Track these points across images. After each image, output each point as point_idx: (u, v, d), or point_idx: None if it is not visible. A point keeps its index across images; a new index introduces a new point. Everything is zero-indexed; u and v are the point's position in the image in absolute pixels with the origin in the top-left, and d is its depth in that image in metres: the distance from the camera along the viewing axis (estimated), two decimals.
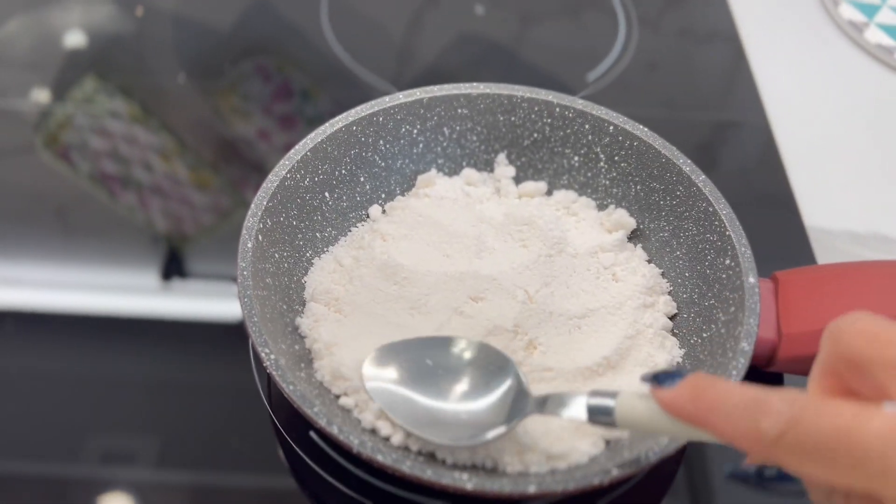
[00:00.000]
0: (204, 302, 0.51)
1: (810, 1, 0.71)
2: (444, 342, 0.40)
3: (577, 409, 0.34)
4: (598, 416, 0.33)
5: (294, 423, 0.44)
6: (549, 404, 0.35)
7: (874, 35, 0.67)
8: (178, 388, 0.46)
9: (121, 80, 0.63)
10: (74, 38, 0.65)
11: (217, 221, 0.55)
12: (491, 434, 0.36)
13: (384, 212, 0.50)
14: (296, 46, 0.67)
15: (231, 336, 0.49)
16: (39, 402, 0.45)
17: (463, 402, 0.38)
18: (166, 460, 0.43)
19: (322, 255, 0.47)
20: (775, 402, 0.24)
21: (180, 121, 0.61)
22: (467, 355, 0.39)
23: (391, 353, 0.40)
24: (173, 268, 0.52)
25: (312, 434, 0.43)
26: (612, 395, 0.32)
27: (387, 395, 0.38)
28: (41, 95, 0.61)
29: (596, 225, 0.49)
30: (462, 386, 0.38)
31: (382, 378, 0.39)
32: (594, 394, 0.33)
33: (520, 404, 0.37)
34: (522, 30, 0.69)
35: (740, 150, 0.61)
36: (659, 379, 0.29)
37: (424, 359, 0.39)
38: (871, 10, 0.68)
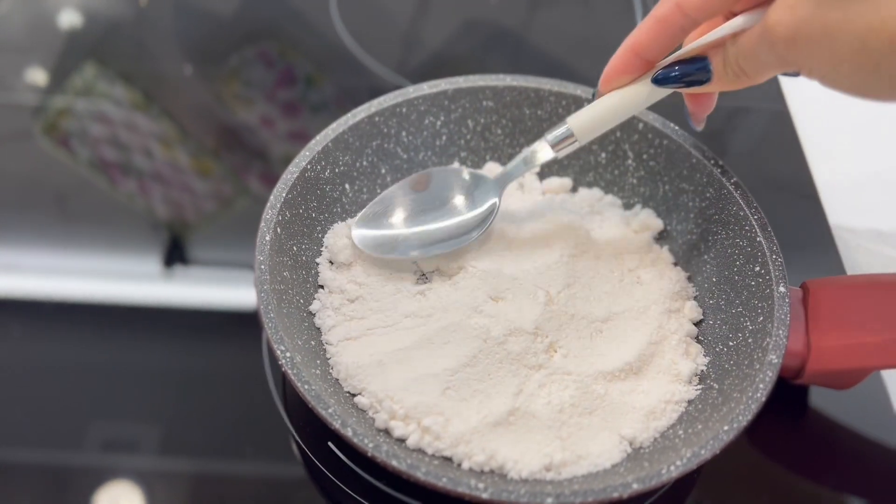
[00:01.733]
0: (206, 289, 0.50)
1: None
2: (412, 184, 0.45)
3: (542, 154, 0.42)
4: (561, 141, 0.41)
5: (302, 410, 0.43)
6: (511, 171, 0.44)
7: None
8: (181, 376, 0.45)
9: (121, 67, 0.62)
10: (74, 23, 0.64)
11: (219, 209, 0.54)
12: (475, 234, 0.44)
13: None
14: (299, 32, 0.65)
15: (234, 323, 0.48)
16: (41, 390, 0.44)
17: (448, 218, 0.44)
18: (170, 449, 0.43)
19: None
20: None
21: (181, 107, 0.60)
22: (434, 186, 0.45)
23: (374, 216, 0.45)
24: (174, 255, 0.52)
25: (330, 445, 0.42)
26: (561, 124, 0.41)
27: (378, 242, 0.44)
28: (40, 82, 0.60)
29: (621, 225, 0.48)
30: (443, 210, 0.45)
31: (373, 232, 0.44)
32: (548, 133, 0.42)
33: (487, 194, 0.44)
34: (532, 15, 0.67)
35: (759, 140, 0.60)
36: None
37: (405, 202, 0.45)
38: None
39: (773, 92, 0.61)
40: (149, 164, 0.55)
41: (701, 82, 0.37)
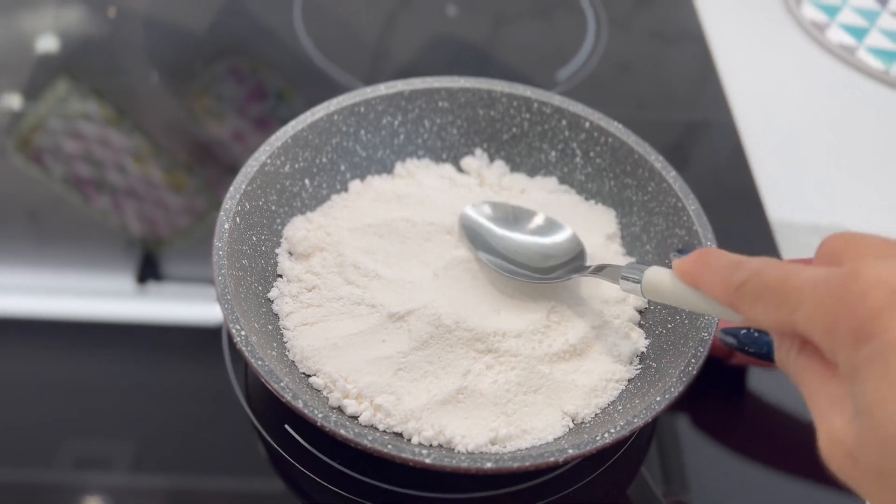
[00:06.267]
0: (179, 305, 0.51)
1: (774, 2, 0.73)
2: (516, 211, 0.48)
3: (611, 276, 0.40)
4: (629, 282, 0.38)
5: (271, 418, 0.44)
6: (593, 269, 0.42)
7: (836, 34, 0.68)
8: (153, 392, 0.46)
9: (94, 82, 0.62)
10: (46, 41, 0.64)
11: (192, 223, 0.55)
12: (554, 275, 0.44)
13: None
14: (269, 48, 0.67)
15: (207, 339, 0.48)
16: (11, 407, 0.44)
17: (535, 236, 0.46)
18: (142, 465, 0.43)
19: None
20: (750, 262, 0.30)
21: (154, 123, 0.60)
22: (537, 221, 0.47)
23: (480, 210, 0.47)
24: (148, 271, 0.52)
25: (288, 428, 0.43)
26: (644, 268, 0.38)
27: (473, 227, 0.46)
28: (12, 98, 0.60)
29: (585, 229, 0.49)
30: (533, 229, 0.47)
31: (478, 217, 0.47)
32: (630, 266, 0.39)
33: (578, 263, 0.44)
34: (494, 30, 0.70)
35: (708, 149, 0.63)
36: (682, 252, 0.34)
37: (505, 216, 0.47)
38: (832, 11, 0.70)
39: (723, 107, 0.64)
40: (122, 179, 0.55)
41: (765, 358, 0.34)
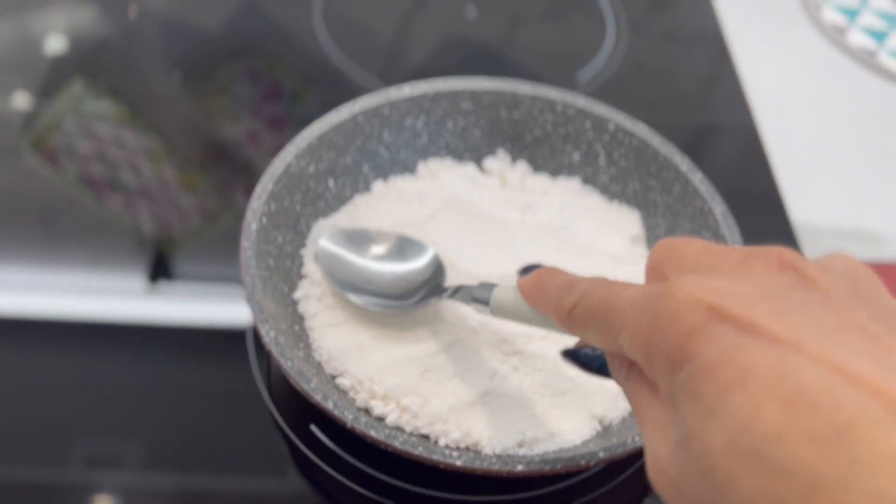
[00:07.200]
0: (192, 305, 0.50)
1: (793, 4, 0.73)
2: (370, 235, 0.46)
3: (465, 298, 0.38)
4: (479, 304, 0.37)
5: (296, 418, 0.44)
6: (450, 292, 0.41)
7: (856, 38, 0.69)
8: (167, 392, 0.45)
9: (109, 82, 0.62)
10: (62, 41, 0.64)
11: (205, 224, 0.54)
12: (412, 300, 0.42)
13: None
14: (285, 48, 0.67)
15: (228, 339, 0.48)
16: (24, 406, 0.44)
17: (390, 264, 0.44)
18: (166, 465, 0.42)
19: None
20: (580, 284, 0.28)
21: (169, 123, 0.60)
22: (393, 244, 0.45)
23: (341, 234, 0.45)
24: (161, 271, 0.52)
25: (314, 428, 0.43)
26: (492, 287, 0.36)
27: (330, 258, 0.44)
28: (28, 98, 0.60)
29: (601, 224, 0.49)
30: (391, 257, 0.45)
31: (331, 245, 0.45)
32: (481, 285, 0.37)
33: (437, 288, 0.43)
34: (512, 32, 0.70)
35: (729, 151, 0.62)
36: (526, 271, 0.33)
37: (363, 242, 0.45)
38: (852, 14, 0.70)
39: (743, 109, 0.64)
40: (136, 179, 0.55)
41: (603, 375, 0.31)
